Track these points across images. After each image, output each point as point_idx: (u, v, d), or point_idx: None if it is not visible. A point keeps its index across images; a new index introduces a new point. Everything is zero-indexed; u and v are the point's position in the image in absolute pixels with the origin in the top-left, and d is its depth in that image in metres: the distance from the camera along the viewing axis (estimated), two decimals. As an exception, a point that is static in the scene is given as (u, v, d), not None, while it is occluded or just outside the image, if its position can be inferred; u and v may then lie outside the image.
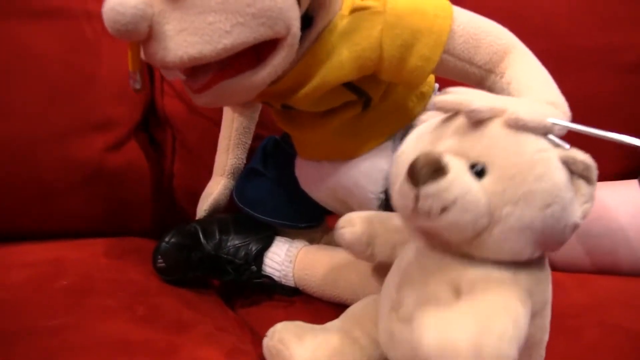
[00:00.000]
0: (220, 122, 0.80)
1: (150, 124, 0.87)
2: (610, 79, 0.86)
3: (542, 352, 0.47)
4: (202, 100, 0.54)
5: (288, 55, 0.52)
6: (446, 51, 0.54)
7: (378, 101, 0.61)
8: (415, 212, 0.41)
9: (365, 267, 0.61)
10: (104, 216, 0.80)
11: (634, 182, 0.73)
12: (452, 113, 0.44)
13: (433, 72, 0.56)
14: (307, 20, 0.53)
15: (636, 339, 0.56)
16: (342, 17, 0.54)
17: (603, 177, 0.75)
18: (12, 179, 0.74)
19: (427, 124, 0.47)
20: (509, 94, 0.51)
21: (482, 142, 0.41)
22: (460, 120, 0.43)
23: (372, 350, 0.51)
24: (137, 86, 0.53)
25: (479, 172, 0.41)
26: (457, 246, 0.43)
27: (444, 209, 0.40)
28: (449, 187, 0.39)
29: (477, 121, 0.42)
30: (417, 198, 0.40)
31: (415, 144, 0.46)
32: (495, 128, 0.41)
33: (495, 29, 0.54)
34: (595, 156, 0.42)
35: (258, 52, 0.50)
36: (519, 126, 0.41)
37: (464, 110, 0.42)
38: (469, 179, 0.40)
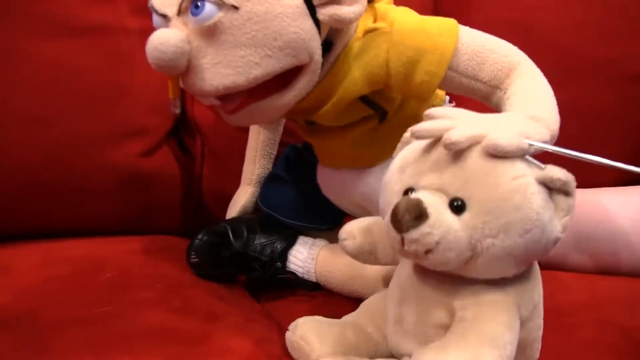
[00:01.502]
0: (246, 129, 0.82)
1: (181, 131, 0.89)
2: (611, 89, 0.85)
3: (538, 346, 0.49)
4: (234, 120, 0.57)
5: (311, 79, 0.55)
6: (451, 68, 0.55)
7: (393, 114, 0.63)
8: (403, 252, 0.43)
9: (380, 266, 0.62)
10: (137, 217, 0.83)
11: (638, 188, 0.74)
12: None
13: (442, 88, 0.58)
14: (327, 45, 0.56)
15: (630, 335, 0.57)
16: (357, 39, 0.57)
17: (607, 183, 0.76)
18: (54, 181, 0.77)
19: (409, 149, 0.48)
20: (505, 110, 0.53)
21: (461, 176, 0.43)
22: (440, 150, 0.44)
23: (385, 347, 0.53)
24: (177, 111, 0.58)
25: (459, 207, 0.42)
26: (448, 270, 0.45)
27: (428, 251, 0.42)
28: (431, 231, 0.41)
29: (456, 152, 0.43)
30: (402, 241, 0.42)
31: (398, 175, 0.47)
32: (473, 159, 0.42)
33: (501, 46, 0.55)
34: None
35: (284, 76, 0.53)
36: (497, 152, 0.42)
37: (443, 143, 0.43)
38: (449, 218, 0.42)
